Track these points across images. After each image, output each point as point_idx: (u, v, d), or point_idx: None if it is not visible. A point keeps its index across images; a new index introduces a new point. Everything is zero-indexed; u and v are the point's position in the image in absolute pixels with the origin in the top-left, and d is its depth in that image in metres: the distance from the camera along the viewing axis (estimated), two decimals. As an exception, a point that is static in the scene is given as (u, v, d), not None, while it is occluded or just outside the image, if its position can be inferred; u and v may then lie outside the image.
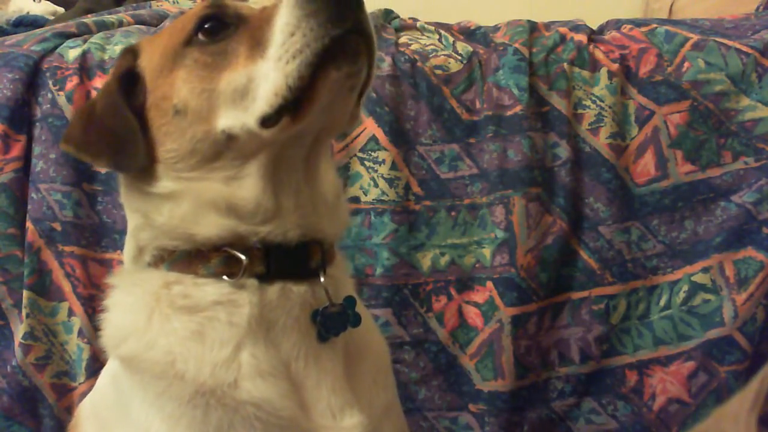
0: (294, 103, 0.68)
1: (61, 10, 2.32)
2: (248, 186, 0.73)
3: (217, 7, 0.75)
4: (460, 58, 1.41)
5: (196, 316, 0.74)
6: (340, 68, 0.68)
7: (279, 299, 0.74)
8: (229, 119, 0.71)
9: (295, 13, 0.67)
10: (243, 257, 0.73)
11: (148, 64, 0.79)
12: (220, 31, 0.74)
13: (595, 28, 1.53)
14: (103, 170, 1.36)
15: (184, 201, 0.74)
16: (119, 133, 0.77)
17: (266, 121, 0.69)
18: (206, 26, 0.74)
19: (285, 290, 0.75)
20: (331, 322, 0.77)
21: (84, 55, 1.40)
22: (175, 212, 0.75)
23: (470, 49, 1.42)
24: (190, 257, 0.75)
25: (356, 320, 0.80)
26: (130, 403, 0.76)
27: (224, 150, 0.73)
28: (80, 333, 1.36)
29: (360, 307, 0.84)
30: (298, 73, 0.67)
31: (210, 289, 0.74)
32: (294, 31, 0.67)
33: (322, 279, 0.77)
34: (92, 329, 1.36)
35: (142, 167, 0.76)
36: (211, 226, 0.73)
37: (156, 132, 0.76)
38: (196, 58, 0.74)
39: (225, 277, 0.74)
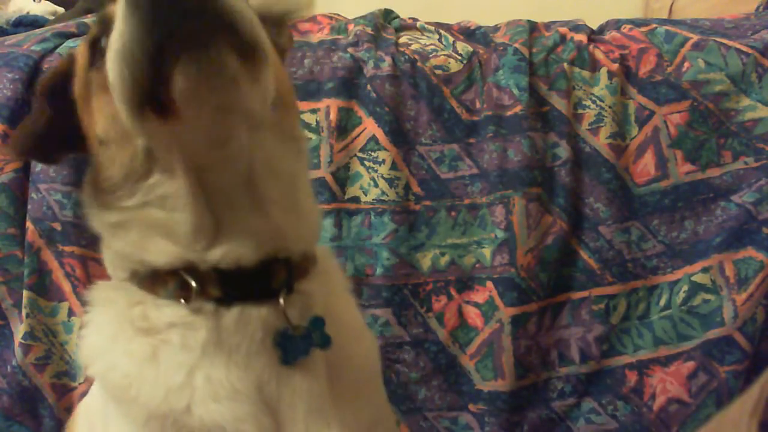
0: (149, 99, 0.61)
1: (61, 10, 2.32)
2: (182, 205, 0.69)
3: (102, 24, 0.70)
4: (460, 58, 1.41)
5: (152, 339, 0.72)
6: (180, 63, 0.58)
7: (237, 324, 0.71)
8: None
9: (121, 13, 0.59)
10: (193, 283, 0.70)
11: (76, 92, 0.76)
12: None
13: (595, 28, 1.53)
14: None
15: (131, 229, 0.72)
16: (37, 124, 0.78)
17: (138, 116, 0.62)
18: (101, 45, 0.69)
19: (244, 314, 0.71)
20: (291, 346, 0.73)
21: (84, 55, 1.40)
22: (127, 239, 0.73)
23: (470, 49, 1.42)
24: (152, 278, 0.73)
25: (324, 342, 0.75)
26: (108, 411, 0.77)
27: (151, 166, 0.68)
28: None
29: (350, 313, 0.82)
30: (127, 71, 0.59)
31: (168, 311, 0.72)
32: (120, 28, 0.59)
33: (281, 301, 0.72)
34: (92, 329, 1.36)
35: (57, 157, 0.78)
36: (159, 253, 0.71)
37: (96, 161, 0.74)
38: (99, 83, 0.69)
39: (182, 301, 0.71)
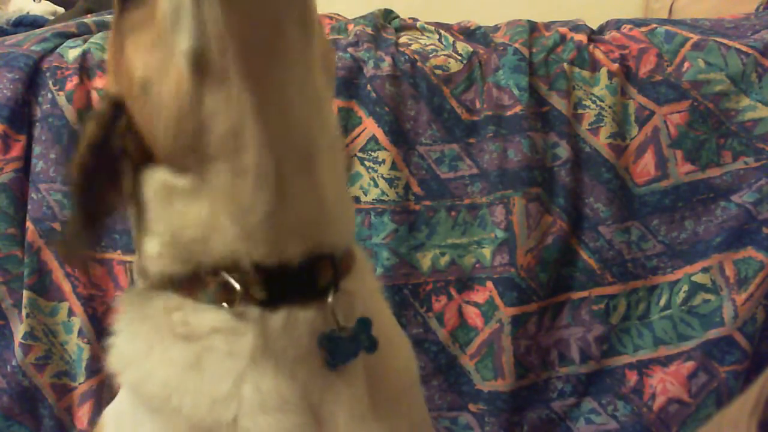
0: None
1: (61, 10, 2.32)
2: (249, 182, 0.62)
3: None
4: (460, 58, 1.41)
5: (194, 345, 0.66)
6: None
7: (285, 328, 0.65)
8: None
9: None
10: (236, 285, 0.64)
11: (108, 58, 0.70)
12: None
13: (595, 28, 1.53)
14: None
15: (204, 198, 0.64)
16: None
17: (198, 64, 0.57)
18: None
19: (291, 317, 0.66)
20: (338, 349, 0.67)
21: (84, 55, 1.40)
22: (200, 213, 0.64)
23: (470, 49, 1.42)
24: (189, 282, 0.67)
25: (371, 345, 0.70)
26: (139, 422, 0.72)
27: (204, 132, 0.61)
28: (80, 333, 1.36)
29: (386, 314, 0.78)
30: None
31: (209, 316, 0.66)
32: None
33: (330, 299, 0.67)
34: (92, 329, 1.36)
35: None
36: (222, 238, 0.64)
37: (144, 131, 0.66)
38: (136, 21, 0.63)
39: (225, 305, 0.65)
